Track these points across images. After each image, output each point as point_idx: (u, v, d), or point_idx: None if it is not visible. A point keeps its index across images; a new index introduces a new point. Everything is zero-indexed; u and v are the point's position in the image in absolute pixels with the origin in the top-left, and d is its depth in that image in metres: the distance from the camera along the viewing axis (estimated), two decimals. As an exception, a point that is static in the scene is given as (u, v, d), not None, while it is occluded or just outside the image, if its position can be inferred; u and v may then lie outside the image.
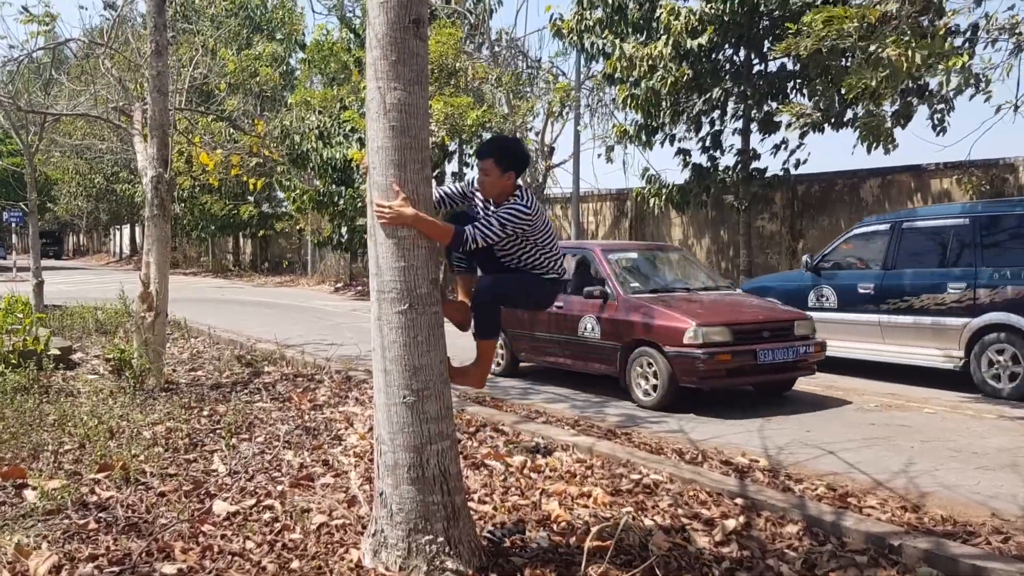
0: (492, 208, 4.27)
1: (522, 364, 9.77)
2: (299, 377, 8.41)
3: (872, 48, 6.93)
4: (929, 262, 9.09)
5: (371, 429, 5.49)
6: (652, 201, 16.40)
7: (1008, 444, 6.34)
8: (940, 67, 7.17)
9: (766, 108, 14.90)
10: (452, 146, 21.95)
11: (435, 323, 3.77)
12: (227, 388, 7.72)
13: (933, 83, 9.44)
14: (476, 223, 4.10)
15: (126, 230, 53.64)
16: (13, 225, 25.21)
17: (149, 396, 7.14)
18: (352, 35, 24.52)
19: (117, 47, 10.53)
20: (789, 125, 12.62)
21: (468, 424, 6.44)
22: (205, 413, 6.61)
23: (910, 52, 6.75)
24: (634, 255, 9.50)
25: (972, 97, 9.32)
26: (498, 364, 9.57)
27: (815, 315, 9.04)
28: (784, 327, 7.94)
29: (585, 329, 8.48)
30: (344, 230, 21.97)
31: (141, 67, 10.58)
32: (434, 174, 5.42)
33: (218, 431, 5.97)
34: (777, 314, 8.22)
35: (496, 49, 22.25)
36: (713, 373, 7.44)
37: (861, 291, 9.57)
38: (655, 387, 7.74)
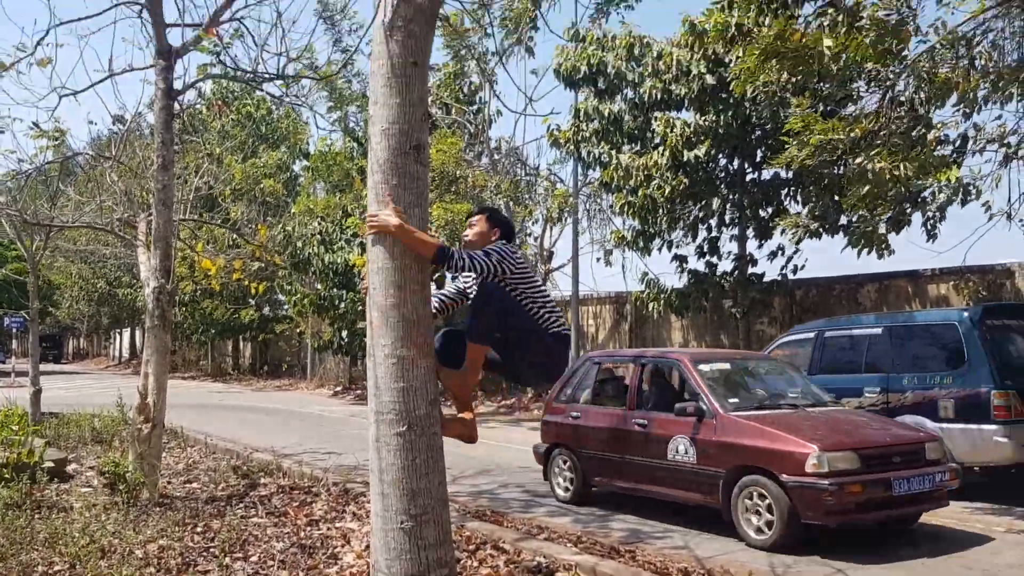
0: None
1: (595, 489, 8.44)
2: (295, 490, 8.26)
3: (859, 161, 7.10)
4: (849, 368, 9.74)
5: (367, 547, 5.36)
6: (651, 305, 16.47)
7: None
8: (930, 179, 7.32)
9: (762, 214, 15.14)
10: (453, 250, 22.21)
11: (434, 445, 3.74)
12: (222, 502, 7.57)
13: (926, 192, 9.64)
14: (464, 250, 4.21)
15: (126, 333, 53.70)
16: (14, 330, 25.24)
17: (143, 511, 7.00)
18: (355, 144, 25.16)
19: (124, 159, 10.76)
20: (784, 232, 12.79)
21: (467, 541, 6.29)
22: (199, 530, 6.46)
23: (901, 166, 6.91)
24: (726, 365, 8.38)
25: (964, 204, 9.49)
26: (567, 489, 8.52)
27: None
28: (915, 450, 6.91)
29: (676, 452, 7.34)
30: (345, 333, 21.99)
31: (147, 178, 10.80)
32: (434, 277, 5.46)
33: (211, 549, 5.82)
34: (907, 436, 7.16)
35: (495, 157, 22.78)
36: (841, 507, 6.32)
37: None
38: (770, 523, 6.52)
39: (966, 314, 8.96)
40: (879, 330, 9.64)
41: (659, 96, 14.93)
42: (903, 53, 7.38)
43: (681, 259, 16.23)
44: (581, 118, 16.26)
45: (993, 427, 8.31)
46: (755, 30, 10.45)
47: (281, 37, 8.37)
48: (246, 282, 18.89)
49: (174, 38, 8.50)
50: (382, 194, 3.87)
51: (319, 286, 22.18)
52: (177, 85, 8.58)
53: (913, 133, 7.39)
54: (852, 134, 7.22)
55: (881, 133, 7.32)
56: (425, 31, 4.03)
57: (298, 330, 28.73)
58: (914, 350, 9.24)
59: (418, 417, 3.68)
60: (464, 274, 4.34)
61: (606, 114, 15.75)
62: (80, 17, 8.12)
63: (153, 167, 8.49)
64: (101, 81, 8.42)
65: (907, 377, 9.06)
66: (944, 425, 8.52)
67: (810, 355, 10.15)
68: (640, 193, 14.70)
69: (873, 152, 7.08)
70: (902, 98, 8.74)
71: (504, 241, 4.45)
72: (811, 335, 10.39)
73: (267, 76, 8.31)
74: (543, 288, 4.44)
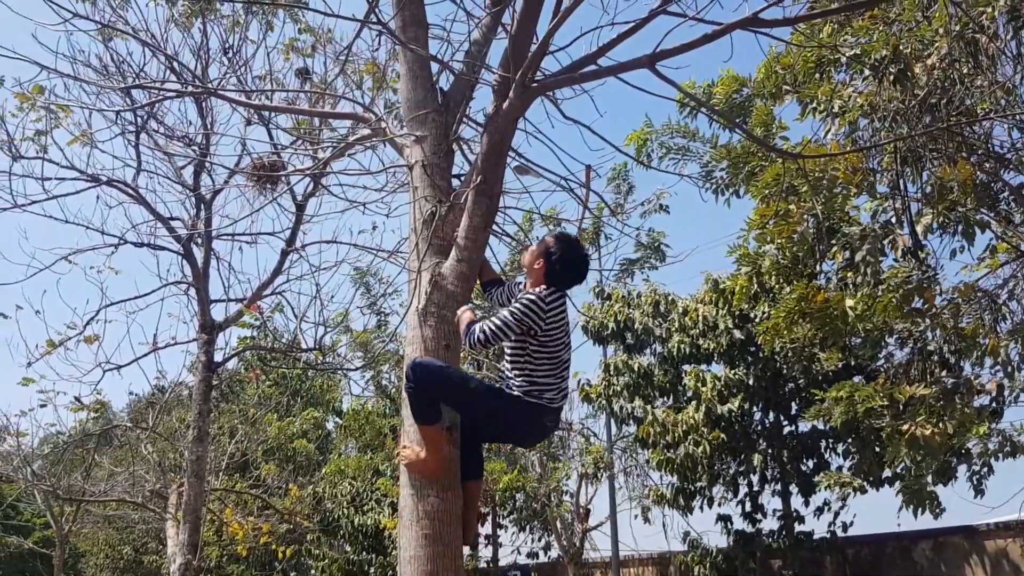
0: None
1: None
2: None
3: (905, 427, 7.01)
4: None
5: None
6: (696, 569, 15.65)
7: None
8: (970, 434, 7.18)
9: (803, 468, 14.74)
10: (485, 508, 21.65)
11: None
12: None
13: (970, 444, 9.42)
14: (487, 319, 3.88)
15: (149, 601, 51.56)
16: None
17: None
18: (388, 401, 25.38)
19: (160, 428, 10.90)
20: (828, 487, 12.40)
21: None
22: None
23: (942, 424, 6.80)
24: None
25: (1011, 456, 9.17)
26: None
27: None
28: None
29: None
30: (374, 602, 20.96)
31: (181, 444, 10.85)
32: None
33: None
34: None
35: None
36: None
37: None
38: None
39: None
40: None
41: (687, 351, 15.10)
42: (931, 312, 7.49)
43: (725, 518, 15.63)
44: (611, 372, 16.38)
45: None
46: (777, 287, 10.78)
47: (320, 310, 8.67)
48: (273, 546, 18.38)
49: (217, 312, 8.87)
50: (415, 478, 3.81)
51: (348, 548, 21.46)
52: (217, 357, 8.86)
53: (956, 397, 7.32)
54: (894, 398, 7.18)
55: (921, 395, 7.27)
56: (457, 316, 4.16)
57: (325, 597, 27.44)
58: None
59: None
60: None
61: (636, 368, 15.88)
62: (130, 297, 8.59)
63: (188, 436, 8.55)
64: (145, 356, 8.74)
65: None
66: None
67: None
68: (681, 449, 14.47)
69: (919, 417, 7.00)
70: (931, 348, 8.79)
71: (545, 287, 3.98)
72: None
73: (304, 349, 8.57)
74: (560, 356, 3.93)
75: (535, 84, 4.29)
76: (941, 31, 7.14)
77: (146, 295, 8.76)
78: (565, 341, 3.95)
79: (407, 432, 3.98)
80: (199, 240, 8.84)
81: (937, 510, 9.48)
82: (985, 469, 10.52)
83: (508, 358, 3.99)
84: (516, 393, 3.90)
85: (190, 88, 7.50)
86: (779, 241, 7.96)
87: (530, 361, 3.90)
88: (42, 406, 8.86)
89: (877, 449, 11.70)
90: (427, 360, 3.93)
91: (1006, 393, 9.96)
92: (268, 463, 21.93)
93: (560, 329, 3.90)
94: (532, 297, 3.86)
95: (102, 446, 12.49)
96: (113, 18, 7.46)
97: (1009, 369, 8.18)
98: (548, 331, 3.87)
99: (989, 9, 6.82)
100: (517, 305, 3.86)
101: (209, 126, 8.72)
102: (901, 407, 7.30)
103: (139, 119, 8.42)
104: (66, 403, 8.92)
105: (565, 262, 4.09)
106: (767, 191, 8.06)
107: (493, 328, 3.80)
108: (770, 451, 14.83)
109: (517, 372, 3.93)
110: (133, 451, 12.02)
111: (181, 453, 10.85)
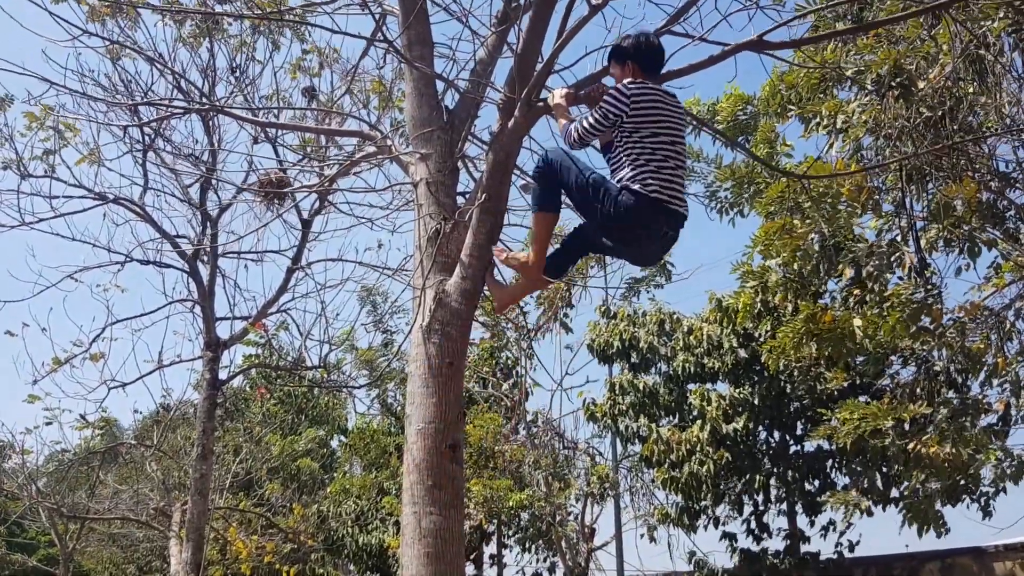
0: None
1: None
2: None
3: (912, 446, 6.97)
4: None
5: None
6: (702, 588, 15.54)
7: None
8: (984, 458, 7.13)
9: (808, 488, 14.65)
10: (491, 527, 21.52)
11: None
12: None
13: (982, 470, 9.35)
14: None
15: (152, 620, 51.34)
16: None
17: None
18: (393, 419, 25.31)
19: (164, 446, 10.89)
20: (833, 507, 12.32)
21: None
22: None
23: (958, 448, 6.76)
24: None
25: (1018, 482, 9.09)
26: None
27: None
28: None
29: None
30: (379, 623, 20.85)
31: (185, 462, 10.84)
32: (471, 556, 5.20)
33: None
34: None
35: (532, 430, 22.70)
36: None
37: None
38: None
39: None
40: None
41: (692, 369, 15.06)
42: (937, 330, 7.47)
43: (730, 536, 15.52)
44: (616, 392, 16.34)
45: None
46: (781, 306, 10.75)
47: (325, 328, 8.69)
48: (277, 566, 18.29)
49: (223, 330, 8.89)
50: (417, 495, 3.81)
51: (353, 568, 21.37)
52: (222, 374, 8.87)
53: (964, 419, 7.29)
54: (899, 418, 7.15)
55: (929, 415, 7.24)
56: (461, 333, 4.17)
57: (330, 619, 27.28)
58: None
59: None
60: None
61: (641, 387, 15.83)
62: (136, 315, 8.61)
63: (192, 453, 8.55)
64: (150, 373, 8.75)
65: None
66: None
67: None
68: (685, 468, 14.41)
69: (925, 437, 6.97)
70: (937, 367, 8.74)
71: (631, 79, 3.96)
72: None
73: (309, 366, 8.58)
74: (664, 149, 3.80)
75: (540, 103, 4.30)
76: (945, 47, 7.16)
77: (152, 313, 8.80)
78: (668, 134, 3.83)
79: (412, 497, 3.94)
80: (205, 258, 8.88)
81: (942, 529, 9.39)
82: (993, 490, 10.44)
83: (611, 164, 3.95)
84: (635, 187, 3.74)
85: (197, 106, 7.55)
86: (784, 256, 7.95)
87: (632, 154, 3.81)
88: (47, 424, 8.88)
89: (884, 469, 11.64)
90: (560, 150, 4.03)
91: (1013, 411, 9.90)
92: (272, 482, 21.88)
93: (652, 119, 3.81)
94: (612, 89, 3.92)
95: (107, 463, 12.49)
96: (122, 37, 7.53)
97: (1018, 389, 8.13)
98: (636, 119, 3.81)
99: (994, 25, 6.82)
100: (604, 98, 3.92)
101: (216, 144, 8.77)
102: (907, 427, 7.26)
103: (146, 137, 8.49)
104: (71, 421, 8.93)
105: (635, 46, 4.06)
106: (771, 208, 8.06)
107: (585, 125, 3.89)
108: (775, 470, 14.74)
109: (625, 169, 3.82)
110: (137, 469, 12.01)
111: (185, 471, 10.83)
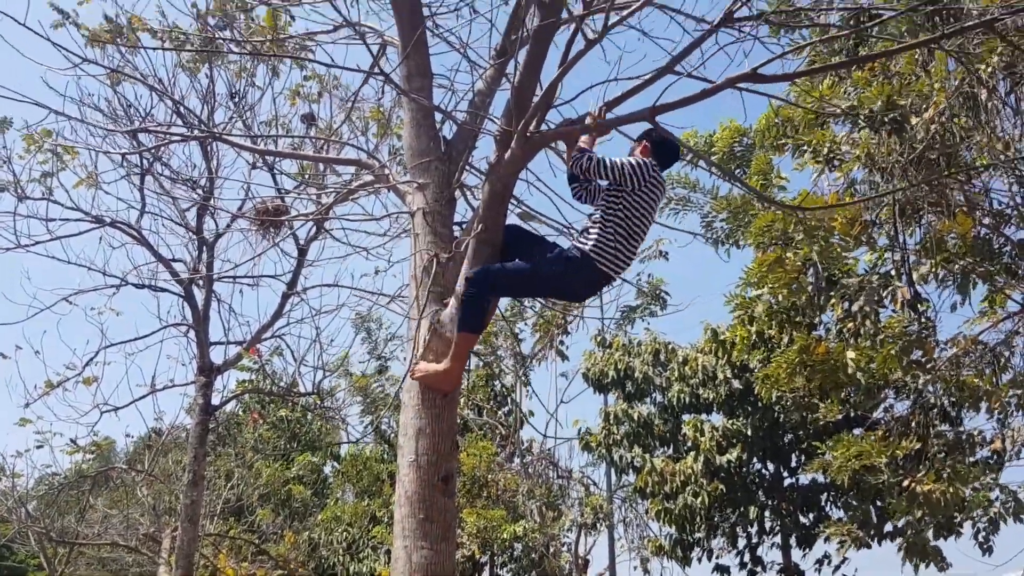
0: None
1: None
2: None
3: (906, 483, 6.95)
4: None
5: None
6: (695, 621, 15.39)
7: None
8: (979, 496, 7.10)
9: (803, 520, 14.58)
10: (483, 558, 21.33)
11: None
12: None
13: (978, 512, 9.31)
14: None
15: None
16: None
17: None
18: (387, 446, 25.14)
19: (155, 471, 10.81)
20: (827, 539, 12.24)
21: None
22: None
23: (953, 487, 6.75)
24: None
25: (1016, 518, 9.04)
26: None
27: None
28: None
29: None
30: (368, 654, 20.58)
31: (176, 486, 10.76)
32: None
33: None
34: None
35: (527, 459, 22.55)
36: None
37: None
38: None
39: None
40: None
41: (687, 400, 15.04)
42: (929, 365, 7.47)
43: (723, 570, 15.42)
44: (611, 421, 16.29)
45: None
46: (775, 337, 10.76)
47: (319, 354, 8.66)
48: (268, 594, 18.08)
49: (217, 355, 8.85)
50: (408, 529, 3.78)
51: (343, 596, 21.12)
52: (215, 399, 8.82)
53: (957, 455, 7.28)
54: (892, 455, 7.13)
55: (918, 450, 7.23)
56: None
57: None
58: None
59: None
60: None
61: (636, 417, 15.79)
62: (130, 339, 8.57)
63: (183, 479, 8.48)
64: (143, 398, 8.68)
65: None
66: None
67: None
68: (679, 500, 14.34)
69: (920, 474, 6.95)
70: (932, 401, 8.73)
71: (653, 161, 4.34)
72: None
73: (302, 393, 8.54)
74: (639, 225, 4.17)
75: (537, 135, 4.33)
76: (938, 85, 7.23)
77: (146, 336, 8.74)
78: (649, 217, 4.25)
79: (421, 343, 4.04)
80: (200, 282, 8.86)
81: (942, 564, 9.33)
82: (991, 526, 10.39)
83: (593, 212, 4.28)
84: (587, 248, 4.15)
85: (196, 132, 7.58)
86: (775, 287, 7.97)
87: (613, 217, 4.17)
88: (39, 447, 8.80)
89: (878, 503, 11.57)
90: (486, 268, 4.16)
91: (1007, 444, 9.88)
92: (264, 508, 21.69)
93: (649, 200, 4.21)
94: (642, 158, 4.26)
95: (98, 488, 12.39)
96: (122, 63, 7.56)
97: (1010, 419, 8.13)
98: (639, 194, 4.17)
99: (990, 62, 6.89)
100: (629, 159, 4.24)
101: (214, 170, 8.78)
102: (900, 462, 7.25)
103: (145, 162, 8.49)
104: (62, 445, 8.85)
105: (664, 141, 4.45)
106: (762, 239, 8.09)
107: (603, 161, 4.16)
108: (769, 502, 14.68)
109: (597, 228, 4.18)
110: (128, 494, 11.91)
111: (176, 496, 10.74)
